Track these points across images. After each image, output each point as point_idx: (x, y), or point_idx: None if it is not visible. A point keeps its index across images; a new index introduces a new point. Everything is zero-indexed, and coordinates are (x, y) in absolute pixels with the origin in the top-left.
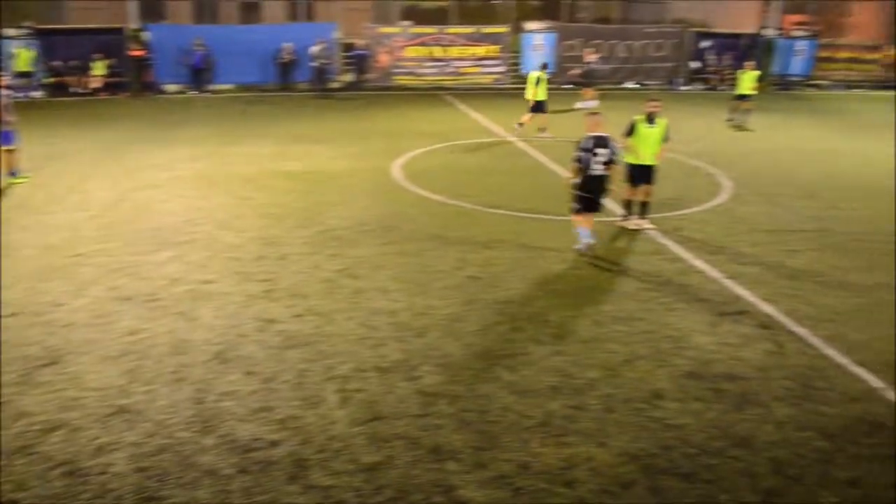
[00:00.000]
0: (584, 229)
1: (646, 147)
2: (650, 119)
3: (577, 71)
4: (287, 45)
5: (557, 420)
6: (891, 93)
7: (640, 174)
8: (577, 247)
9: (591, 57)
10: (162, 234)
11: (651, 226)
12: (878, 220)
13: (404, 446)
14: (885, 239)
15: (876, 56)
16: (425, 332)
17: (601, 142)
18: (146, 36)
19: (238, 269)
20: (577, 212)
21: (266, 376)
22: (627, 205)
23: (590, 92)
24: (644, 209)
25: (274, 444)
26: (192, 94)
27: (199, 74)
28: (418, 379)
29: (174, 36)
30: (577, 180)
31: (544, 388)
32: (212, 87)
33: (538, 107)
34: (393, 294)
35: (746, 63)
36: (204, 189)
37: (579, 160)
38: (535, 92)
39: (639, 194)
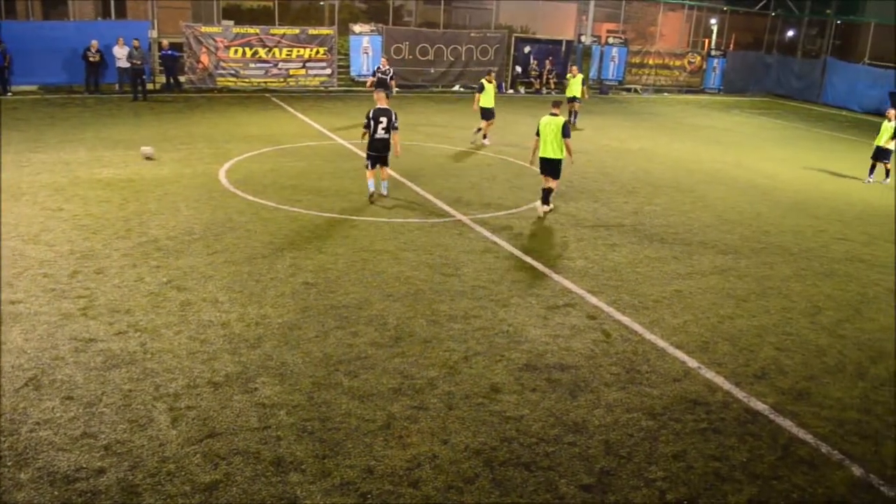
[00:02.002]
0: (371, 181)
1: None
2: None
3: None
4: (94, 43)
5: (400, 421)
6: (694, 96)
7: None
8: (369, 192)
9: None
10: None
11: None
12: (689, 213)
13: (244, 461)
14: (696, 230)
15: (680, 63)
16: (260, 342)
17: (384, 113)
18: None
19: (49, 286)
20: (367, 167)
21: (88, 400)
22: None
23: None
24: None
25: (100, 471)
26: None
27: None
28: (255, 391)
29: None
30: (366, 142)
31: (385, 391)
32: (14, 87)
33: (486, 113)
34: (224, 305)
35: (573, 67)
36: (6, 201)
37: (367, 126)
38: (486, 98)
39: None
